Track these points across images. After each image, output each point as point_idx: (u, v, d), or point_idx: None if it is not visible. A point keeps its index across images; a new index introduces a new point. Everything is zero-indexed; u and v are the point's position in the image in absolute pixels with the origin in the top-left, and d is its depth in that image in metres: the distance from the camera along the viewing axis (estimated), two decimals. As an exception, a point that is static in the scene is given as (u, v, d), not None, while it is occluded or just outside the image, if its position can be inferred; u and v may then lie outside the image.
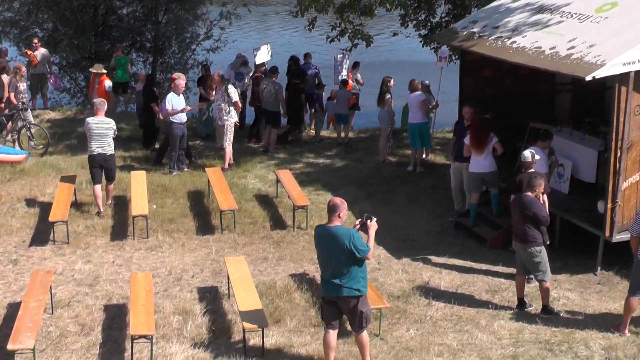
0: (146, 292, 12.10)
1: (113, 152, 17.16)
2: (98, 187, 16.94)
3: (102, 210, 16.90)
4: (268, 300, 12.97)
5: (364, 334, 10.86)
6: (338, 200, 10.58)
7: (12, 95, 21.37)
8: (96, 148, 16.77)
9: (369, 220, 10.63)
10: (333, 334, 10.90)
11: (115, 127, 17.01)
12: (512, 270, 13.83)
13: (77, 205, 17.27)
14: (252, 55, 23.70)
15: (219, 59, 30.89)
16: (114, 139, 17.02)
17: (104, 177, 17.11)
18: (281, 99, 21.84)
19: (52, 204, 16.15)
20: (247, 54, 24.43)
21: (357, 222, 10.71)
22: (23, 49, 29.06)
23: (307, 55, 24.53)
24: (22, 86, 21.93)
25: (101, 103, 17.07)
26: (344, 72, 25.62)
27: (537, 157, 13.89)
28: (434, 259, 15.21)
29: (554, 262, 13.56)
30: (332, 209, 10.48)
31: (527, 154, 13.84)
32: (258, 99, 22.29)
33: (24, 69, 22.48)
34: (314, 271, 14.27)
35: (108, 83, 23.19)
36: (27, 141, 21.56)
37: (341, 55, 25.69)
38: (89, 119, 16.89)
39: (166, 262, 14.67)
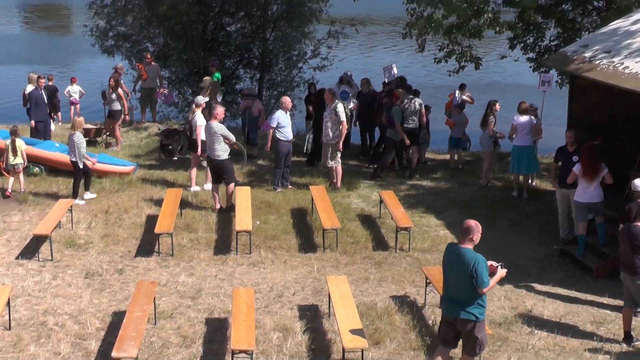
0: (248, 308, 12.16)
1: (219, 157, 17.95)
2: (214, 186, 18.40)
3: (216, 206, 18.18)
4: (368, 321, 12.90)
5: None
6: (473, 222, 10.53)
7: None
8: (209, 151, 18.03)
9: (499, 267, 10.63)
10: (444, 352, 10.93)
11: (224, 133, 17.80)
12: (619, 302, 13.49)
13: (182, 218, 17.53)
14: (384, 74, 23.80)
15: (325, 77, 31.00)
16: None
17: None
18: (422, 116, 21.82)
19: (158, 216, 16.43)
20: (356, 75, 24.43)
21: (490, 263, 10.60)
22: (134, 62, 29.69)
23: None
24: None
25: (213, 108, 18.17)
26: (457, 95, 25.46)
27: None
28: (538, 286, 14.94)
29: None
30: (465, 231, 10.46)
31: (637, 182, 13.51)
32: (380, 118, 22.29)
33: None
34: (415, 294, 14.18)
35: (218, 96, 23.53)
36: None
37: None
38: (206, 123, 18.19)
39: (268, 279, 14.75)
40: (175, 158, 22.89)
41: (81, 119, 19.00)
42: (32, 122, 22.83)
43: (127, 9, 30.87)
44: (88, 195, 18.75)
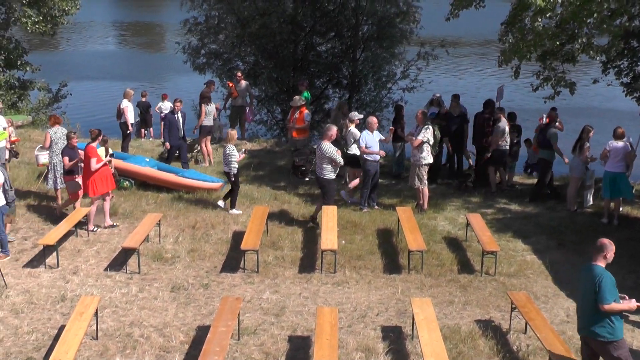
0: (331, 327, 12.14)
1: (326, 177, 18.26)
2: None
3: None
4: (452, 345, 12.78)
5: None
6: (607, 241, 10.85)
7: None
8: (317, 169, 18.47)
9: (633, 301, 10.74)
10: None
11: (332, 156, 18.04)
12: None
13: (268, 235, 17.63)
14: (495, 96, 23.83)
15: (415, 99, 30.94)
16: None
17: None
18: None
19: (245, 233, 16.55)
20: (445, 95, 24.33)
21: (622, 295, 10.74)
22: (225, 80, 30.06)
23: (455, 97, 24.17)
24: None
25: (327, 129, 18.58)
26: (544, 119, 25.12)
27: None
28: (629, 316, 14.62)
29: None
30: (599, 249, 10.76)
31: None
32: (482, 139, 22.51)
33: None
34: (500, 319, 14.00)
35: (307, 114, 23.63)
36: None
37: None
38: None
39: (352, 298, 14.72)
40: (307, 179, 23.04)
41: (234, 131, 19.80)
42: (167, 144, 23.29)
43: (219, 28, 31.38)
44: (233, 211, 19.43)
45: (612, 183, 19.37)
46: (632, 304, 10.64)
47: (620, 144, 19.27)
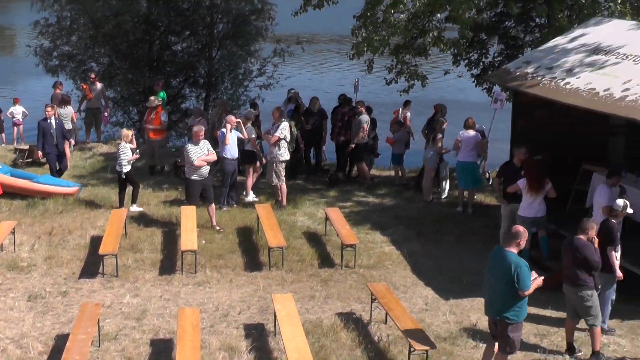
0: (193, 328, 12.09)
1: (187, 176, 18.34)
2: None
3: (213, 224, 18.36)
4: (314, 339, 12.89)
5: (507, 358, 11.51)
6: (522, 228, 11.39)
7: None
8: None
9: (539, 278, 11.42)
10: (493, 344, 11.76)
11: (186, 155, 18.18)
12: (562, 314, 13.66)
13: (127, 238, 17.40)
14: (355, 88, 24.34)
15: (272, 96, 31.03)
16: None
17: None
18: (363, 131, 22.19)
19: (103, 237, 16.28)
20: (303, 91, 24.48)
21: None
22: (79, 82, 29.47)
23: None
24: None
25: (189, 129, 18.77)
26: (401, 113, 25.52)
27: (629, 209, 13.59)
28: (482, 300, 14.92)
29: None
30: (513, 235, 11.29)
31: (620, 202, 13.49)
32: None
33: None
34: (361, 310, 14.21)
35: (164, 114, 23.40)
36: None
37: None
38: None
39: (213, 298, 14.68)
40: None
41: (129, 130, 19.73)
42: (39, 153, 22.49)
43: (72, 29, 30.70)
44: (134, 207, 19.44)
45: (464, 173, 19.90)
46: (538, 280, 11.38)
47: (471, 133, 19.80)
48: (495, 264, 11.30)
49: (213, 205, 18.45)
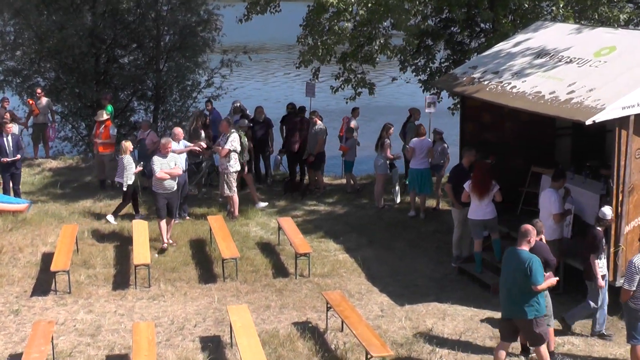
0: (149, 342, 12.05)
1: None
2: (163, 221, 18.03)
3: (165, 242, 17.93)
4: (271, 349, 12.90)
5: (541, 348, 11.86)
6: (530, 226, 11.76)
7: None
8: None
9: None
10: (505, 346, 12.14)
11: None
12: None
13: (79, 254, 17.24)
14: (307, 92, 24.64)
15: (220, 107, 30.95)
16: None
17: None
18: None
19: (54, 254, 16.12)
20: (250, 100, 24.45)
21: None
22: (25, 98, 29.16)
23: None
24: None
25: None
26: (350, 120, 25.60)
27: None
28: (437, 305, 15.13)
29: (558, 307, 13.50)
30: (523, 234, 11.64)
31: (605, 210, 13.53)
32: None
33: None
34: (317, 319, 14.23)
35: (112, 127, 23.24)
36: None
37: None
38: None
39: (168, 312, 14.61)
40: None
41: (128, 143, 19.74)
42: None
43: (16, 43, 30.35)
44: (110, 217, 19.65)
45: (418, 179, 20.03)
46: (552, 279, 11.80)
47: (423, 141, 19.97)
48: (509, 264, 11.66)
49: (172, 220, 18.32)
